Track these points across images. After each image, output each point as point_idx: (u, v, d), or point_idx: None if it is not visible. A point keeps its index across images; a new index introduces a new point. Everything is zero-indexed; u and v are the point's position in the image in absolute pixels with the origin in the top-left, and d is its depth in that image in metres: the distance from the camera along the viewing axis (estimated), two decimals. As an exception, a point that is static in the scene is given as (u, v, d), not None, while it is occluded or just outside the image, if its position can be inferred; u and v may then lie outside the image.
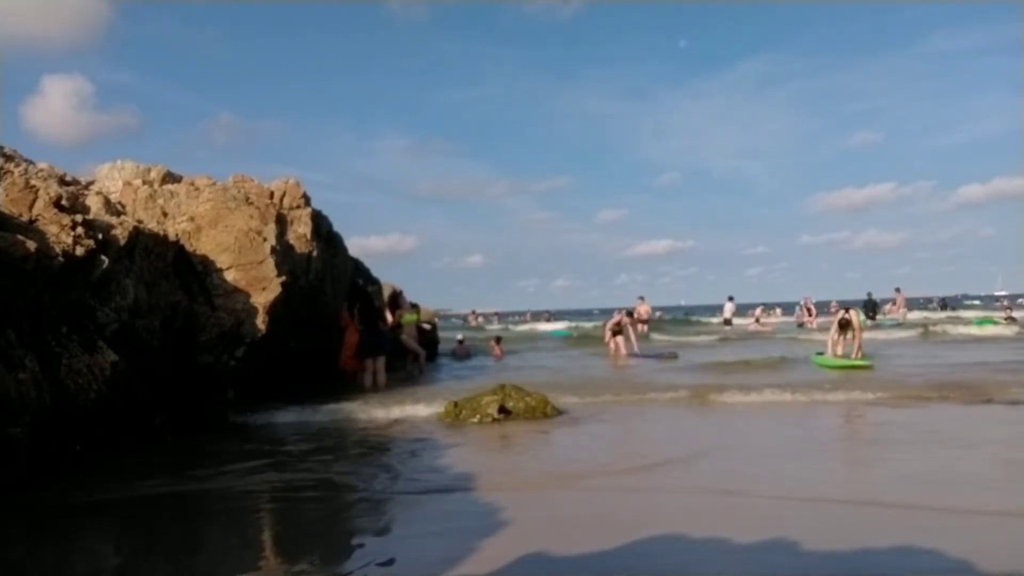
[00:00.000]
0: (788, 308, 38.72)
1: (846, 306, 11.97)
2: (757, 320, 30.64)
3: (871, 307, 24.67)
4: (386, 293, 12.28)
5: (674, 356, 13.90)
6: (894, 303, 28.40)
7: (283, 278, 7.33)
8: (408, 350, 11.70)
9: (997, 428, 6.18)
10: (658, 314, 35.34)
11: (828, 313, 26.64)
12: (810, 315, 26.04)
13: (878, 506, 3.76)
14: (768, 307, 38.96)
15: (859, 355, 11.12)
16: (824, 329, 17.57)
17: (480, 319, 38.67)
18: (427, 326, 13.84)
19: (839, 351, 11.28)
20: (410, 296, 13.12)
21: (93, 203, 6.34)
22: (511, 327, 31.15)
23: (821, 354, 11.80)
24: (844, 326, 11.12)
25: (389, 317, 9.45)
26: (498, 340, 16.03)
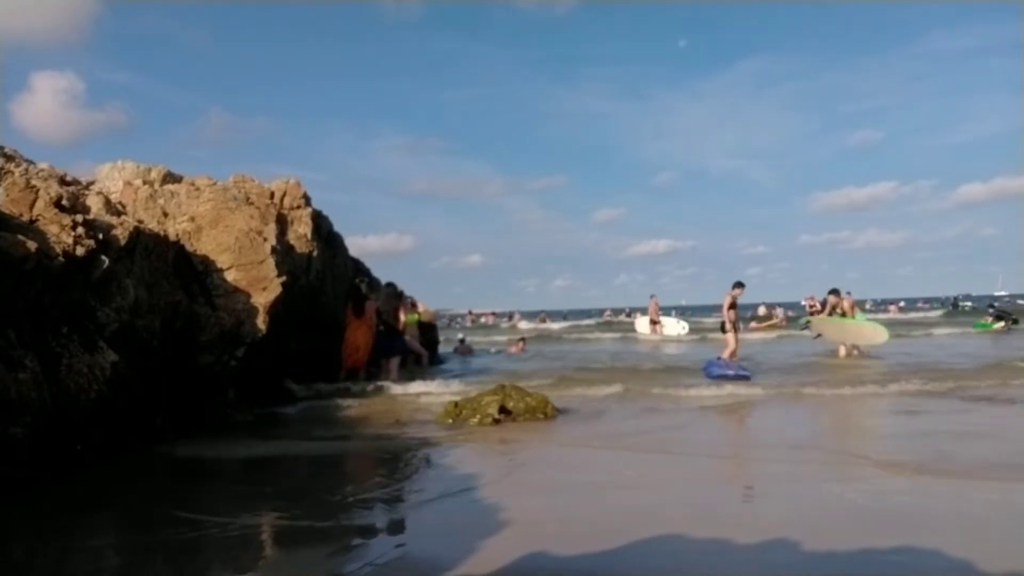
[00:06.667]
0: (788, 308, 38.75)
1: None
2: (755, 322, 30.73)
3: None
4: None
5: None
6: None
7: (283, 278, 7.33)
8: (410, 351, 11.68)
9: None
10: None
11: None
12: (814, 314, 26.00)
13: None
14: (769, 306, 39.06)
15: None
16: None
17: (486, 319, 37.89)
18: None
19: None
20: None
21: (93, 203, 6.34)
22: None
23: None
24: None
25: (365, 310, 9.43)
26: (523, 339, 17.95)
